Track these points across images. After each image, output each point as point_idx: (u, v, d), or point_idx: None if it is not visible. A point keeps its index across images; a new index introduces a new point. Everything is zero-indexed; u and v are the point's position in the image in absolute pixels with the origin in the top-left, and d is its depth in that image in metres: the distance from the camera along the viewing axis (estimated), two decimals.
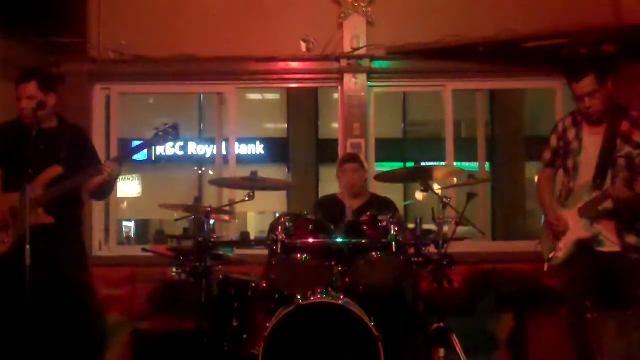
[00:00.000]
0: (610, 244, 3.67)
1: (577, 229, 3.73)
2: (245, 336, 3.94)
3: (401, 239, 3.91)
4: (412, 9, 5.92)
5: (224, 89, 6.14)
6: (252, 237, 10.64)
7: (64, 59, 5.75)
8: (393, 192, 7.96)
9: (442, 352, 3.81)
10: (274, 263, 3.91)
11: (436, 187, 4.94)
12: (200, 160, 12.38)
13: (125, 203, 12.00)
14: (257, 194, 4.17)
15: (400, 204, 10.44)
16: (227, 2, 6.02)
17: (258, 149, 12.67)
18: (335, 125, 7.05)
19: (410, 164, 4.29)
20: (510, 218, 10.80)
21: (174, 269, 4.29)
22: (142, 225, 14.01)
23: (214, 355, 3.95)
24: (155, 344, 4.85)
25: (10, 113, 4.06)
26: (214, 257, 4.30)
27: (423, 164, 4.23)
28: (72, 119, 4.31)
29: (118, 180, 4.11)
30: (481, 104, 6.67)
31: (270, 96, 12.79)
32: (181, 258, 4.26)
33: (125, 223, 13.08)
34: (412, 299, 3.99)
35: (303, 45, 5.85)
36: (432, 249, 4.02)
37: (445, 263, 3.91)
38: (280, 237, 3.90)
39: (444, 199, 4.05)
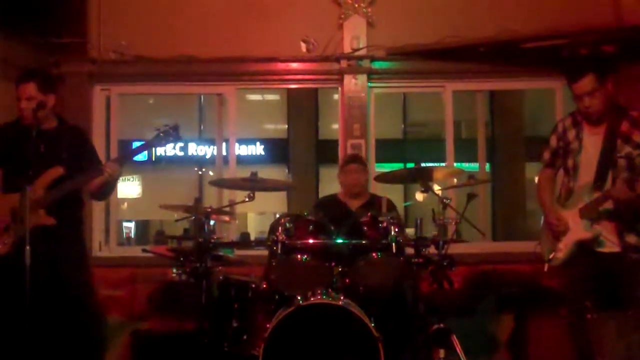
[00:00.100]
0: (610, 244, 3.67)
1: (577, 229, 3.73)
2: (245, 337, 3.94)
3: (401, 240, 3.92)
4: (412, 10, 5.92)
5: (224, 89, 6.13)
6: (252, 237, 10.65)
7: (63, 59, 5.74)
8: (393, 193, 7.97)
9: (442, 352, 3.81)
10: (274, 264, 3.92)
11: (436, 187, 4.94)
12: (200, 161, 12.39)
13: (126, 204, 11.99)
14: (257, 194, 4.17)
15: (400, 204, 10.45)
16: (227, 2, 6.02)
17: (258, 149, 12.68)
18: (335, 125, 7.05)
19: (410, 165, 4.30)
20: (510, 218, 10.80)
21: (174, 270, 4.29)
22: (142, 226, 14.01)
23: (214, 356, 3.94)
24: (155, 345, 4.85)
25: (10, 113, 4.06)
26: (214, 258, 4.30)
27: (423, 164, 4.24)
28: (72, 119, 4.31)
29: (118, 181, 4.11)
30: (481, 105, 6.67)
31: (270, 97, 12.80)
32: (181, 259, 4.26)
33: (125, 224, 13.09)
34: (412, 300, 3.98)
35: (303, 46, 5.85)
36: (432, 249, 4.02)
37: (445, 264, 3.91)
38: (280, 238, 3.90)
39: (444, 200, 4.05)
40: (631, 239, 3.64)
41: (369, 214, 4.04)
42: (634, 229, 3.65)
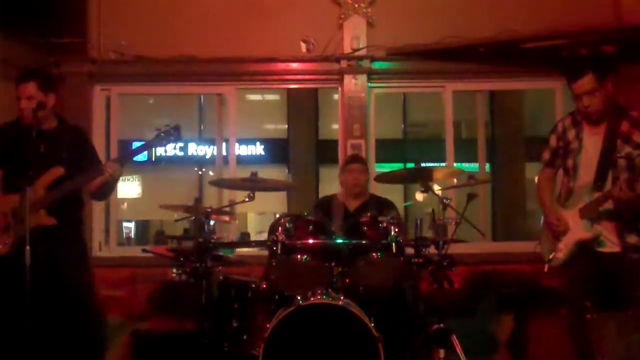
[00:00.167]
0: (610, 244, 3.67)
1: (577, 229, 3.72)
2: (245, 337, 3.94)
3: (401, 240, 3.92)
4: (412, 10, 5.92)
5: (223, 89, 6.13)
6: (252, 237, 10.65)
7: (63, 59, 5.74)
8: (393, 193, 7.97)
9: (442, 353, 3.81)
10: (274, 264, 3.91)
11: (436, 188, 4.94)
12: (200, 161, 12.38)
13: (126, 204, 11.99)
14: (257, 194, 4.17)
15: (400, 204, 10.46)
16: (227, 2, 6.02)
17: (258, 149, 12.68)
18: (335, 126, 7.05)
19: (410, 165, 4.29)
20: (510, 219, 10.80)
21: (174, 270, 4.29)
22: (142, 226, 14.02)
23: (214, 356, 3.94)
24: (155, 345, 4.85)
25: (10, 113, 4.06)
26: (214, 258, 4.30)
27: (423, 164, 4.23)
28: (71, 119, 4.31)
29: (119, 181, 4.11)
30: (481, 105, 6.67)
31: (270, 97, 12.80)
32: (181, 259, 4.26)
33: (125, 224, 13.10)
34: (412, 300, 3.98)
35: (303, 46, 5.85)
36: (432, 249, 4.02)
37: (445, 264, 3.91)
38: (280, 238, 3.90)
39: (444, 200, 4.05)
40: (631, 239, 3.64)
41: (369, 214, 4.04)
42: (634, 229, 3.64)
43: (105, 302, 4.95)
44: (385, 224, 3.93)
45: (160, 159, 11.82)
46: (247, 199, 4.13)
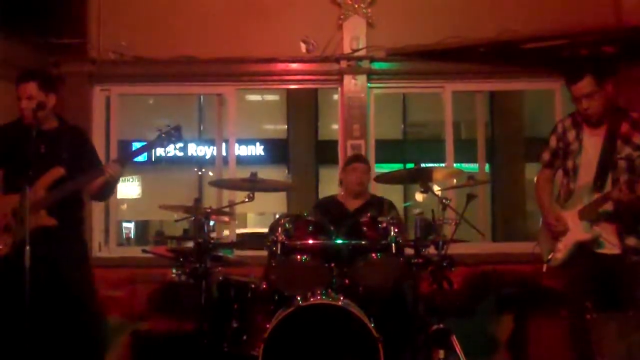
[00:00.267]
0: (610, 246, 3.67)
1: (576, 230, 3.72)
2: (244, 337, 3.94)
3: (401, 240, 3.92)
4: (412, 10, 5.92)
5: (223, 90, 6.13)
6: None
7: (63, 59, 5.74)
8: (393, 193, 7.97)
9: (441, 353, 3.81)
10: (273, 264, 3.91)
11: (436, 188, 4.94)
12: (200, 162, 12.40)
13: (125, 204, 12.00)
14: (257, 195, 4.17)
15: (400, 205, 10.45)
16: (227, 2, 6.02)
17: (258, 150, 12.69)
18: (335, 126, 7.06)
19: (410, 165, 4.29)
20: (510, 219, 10.82)
21: (174, 270, 4.30)
22: (142, 227, 14.03)
23: (213, 357, 3.94)
24: (155, 345, 4.85)
25: (10, 113, 4.06)
26: (214, 258, 4.30)
27: (423, 165, 4.23)
28: (72, 120, 4.30)
29: (119, 182, 4.11)
30: (481, 105, 6.66)
31: (270, 97, 12.81)
32: (181, 259, 4.27)
33: (125, 224, 13.11)
34: (412, 300, 3.98)
35: (303, 46, 5.85)
36: (432, 250, 4.02)
37: (445, 264, 3.91)
38: (280, 238, 3.90)
39: (444, 200, 4.05)
40: (631, 241, 3.64)
41: (369, 214, 4.04)
42: (634, 231, 3.64)
43: (105, 303, 4.94)
44: (385, 225, 3.94)
45: (160, 160, 11.82)
46: (246, 200, 4.14)
